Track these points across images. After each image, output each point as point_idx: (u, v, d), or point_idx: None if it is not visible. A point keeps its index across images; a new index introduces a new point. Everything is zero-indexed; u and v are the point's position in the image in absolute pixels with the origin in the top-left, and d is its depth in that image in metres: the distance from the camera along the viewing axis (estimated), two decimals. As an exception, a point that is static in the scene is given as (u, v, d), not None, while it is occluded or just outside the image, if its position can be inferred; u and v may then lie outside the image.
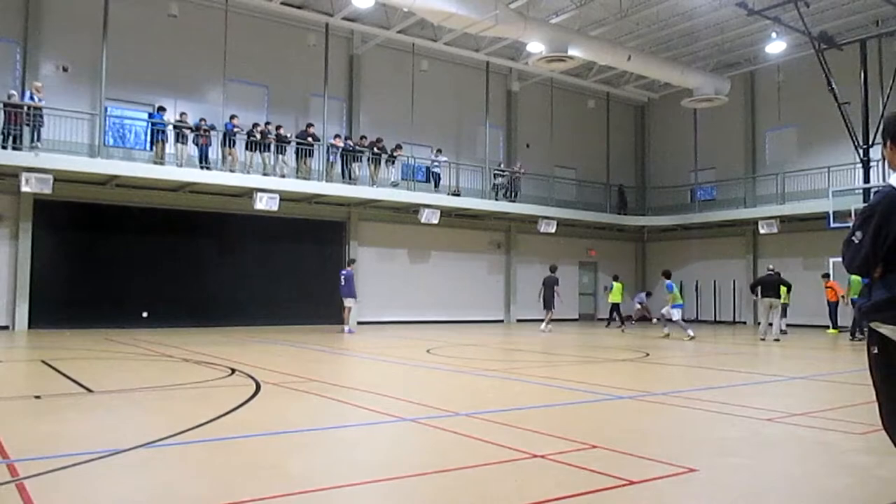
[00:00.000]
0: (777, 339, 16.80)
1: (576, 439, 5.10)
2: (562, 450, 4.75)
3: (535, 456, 4.57)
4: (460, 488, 3.96)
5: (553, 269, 21.34)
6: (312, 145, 21.08)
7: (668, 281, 18.86)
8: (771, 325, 17.16)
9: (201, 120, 19.41)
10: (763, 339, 16.81)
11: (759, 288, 17.92)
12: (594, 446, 4.87)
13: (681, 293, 19.62)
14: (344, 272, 18.87)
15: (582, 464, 4.37)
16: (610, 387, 8.30)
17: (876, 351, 2.84)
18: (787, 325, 19.23)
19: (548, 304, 20.52)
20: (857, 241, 2.84)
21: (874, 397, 2.91)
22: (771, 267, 18.74)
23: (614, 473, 4.13)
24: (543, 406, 6.92)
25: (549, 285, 20.69)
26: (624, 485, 3.93)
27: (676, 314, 18.20)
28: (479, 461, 4.47)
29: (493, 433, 5.33)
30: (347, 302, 18.65)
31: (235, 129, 19.63)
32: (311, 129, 21.12)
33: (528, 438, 5.14)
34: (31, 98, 17.17)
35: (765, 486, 4.03)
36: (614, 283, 23.50)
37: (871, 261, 2.80)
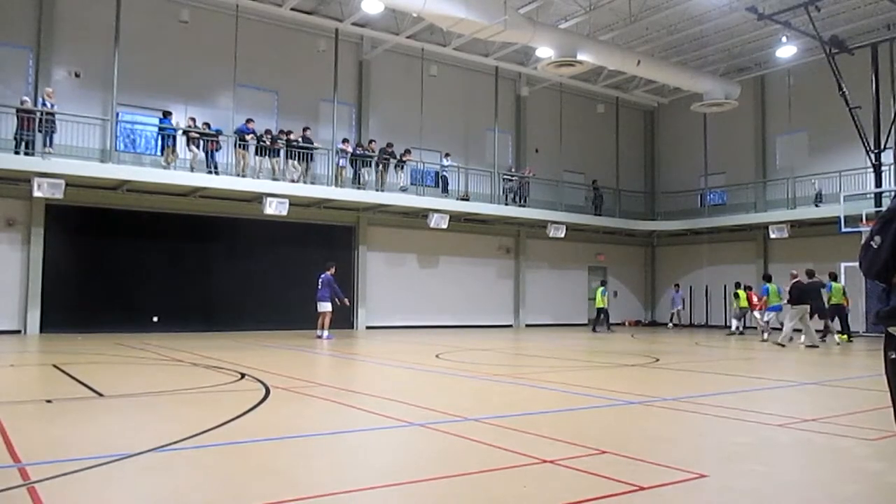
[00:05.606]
0: (808, 346, 16.12)
1: (585, 444, 5.08)
2: (571, 455, 4.73)
3: (545, 461, 4.56)
4: (469, 493, 3.95)
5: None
6: (316, 149, 21.16)
7: (764, 284, 18.94)
8: (798, 330, 16.44)
9: (204, 124, 19.50)
10: (783, 345, 16.06)
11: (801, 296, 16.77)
12: (603, 452, 4.85)
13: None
14: (322, 276, 17.73)
15: (591, 469, 4.35)
16: (619, 392, 8.26)
17: (894, 356, 2.81)
18: (795, 331, 17.56)
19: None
20: (875, 246, 2.81)
21: (888, 402, 2.88)
22: (811, 271, 17.64)
23: (624, 479, 4.10)
24: (552, 411, 6.89)
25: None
26: (633, 490, 3.91)
27: (766, 315, 18.39)
28: (487, 466, 4.46)
29: (501, 438, 5.31)
30: (320, 307, 17.58)
31: (251, 135, 19.72)
32: (307, 133, 21.23)
33: (536, 443, 5.13)
34: (44, 104, 17.34)
35: (776, 493, 4.01)
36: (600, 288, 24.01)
37: (891, 266, 2.77)
